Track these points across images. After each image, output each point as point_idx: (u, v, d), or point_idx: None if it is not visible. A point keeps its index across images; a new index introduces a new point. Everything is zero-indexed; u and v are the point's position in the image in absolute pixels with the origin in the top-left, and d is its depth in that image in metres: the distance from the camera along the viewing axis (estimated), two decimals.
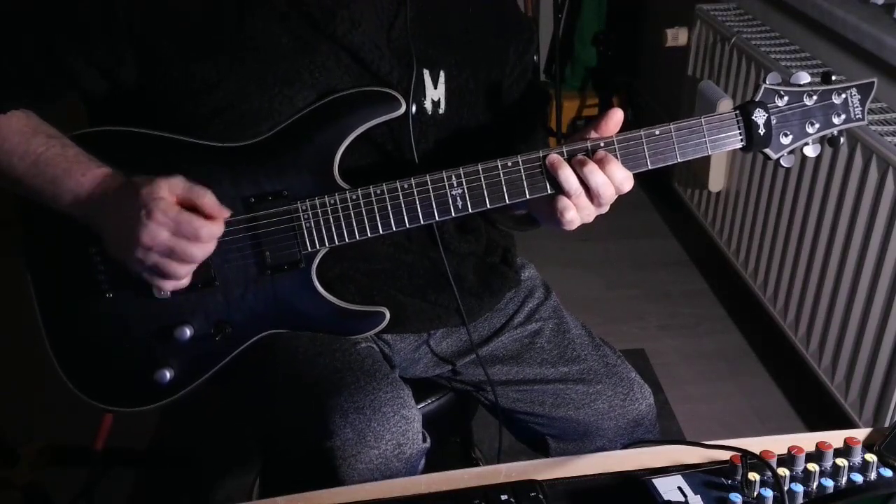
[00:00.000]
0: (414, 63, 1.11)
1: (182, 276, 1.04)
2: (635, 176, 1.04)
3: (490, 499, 0.90)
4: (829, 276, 1.98)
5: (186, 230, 1.00)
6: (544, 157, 1.03)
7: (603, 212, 1.05)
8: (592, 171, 1.00)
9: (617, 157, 1.02)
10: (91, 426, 1.83)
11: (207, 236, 1.01)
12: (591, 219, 1.05)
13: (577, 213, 1.02)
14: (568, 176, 1.01)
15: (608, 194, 1.01)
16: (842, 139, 1.07)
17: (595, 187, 1.00)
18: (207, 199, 1.02)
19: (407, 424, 1.07)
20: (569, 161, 1.02)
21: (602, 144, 1.02)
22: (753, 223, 2.35)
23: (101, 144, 1.08)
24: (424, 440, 1.12)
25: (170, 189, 1.00)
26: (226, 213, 1.04)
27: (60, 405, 1.19)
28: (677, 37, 2.74)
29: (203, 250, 1.02)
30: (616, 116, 1.03)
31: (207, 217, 1.02)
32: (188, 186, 1.01)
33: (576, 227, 1.04)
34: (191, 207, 1.01)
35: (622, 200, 1.05)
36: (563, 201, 1.02)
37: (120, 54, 1.07)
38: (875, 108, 1.88)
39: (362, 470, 1.04)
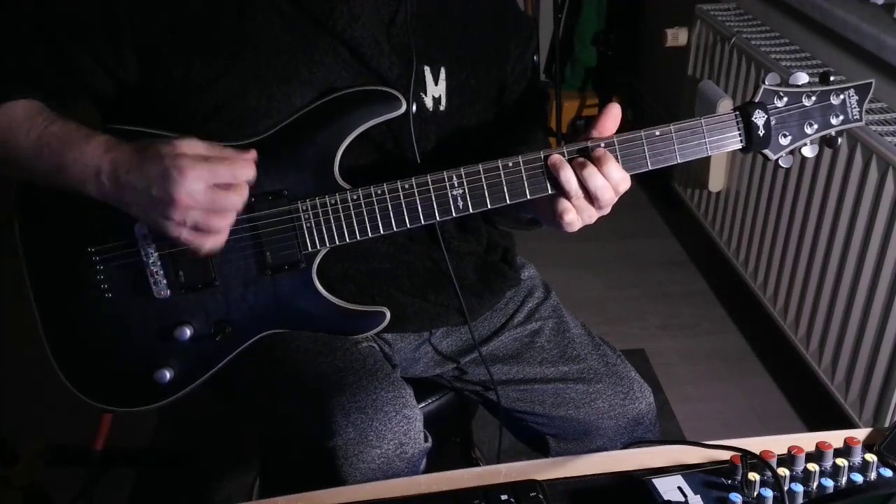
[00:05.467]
0: (414, 59, 1.11)
1: (224, 229, 1.00)
2: (635, 176, 1.04)
3: (490, 499, 0.90)
4: (829, 276, 1.98)
5: (224, 175, 0.97)
6: (546, 157, 1.03)
7: (604, 213, 1.05)
8: (592, 175, 1.00)
9: (617, 158, 1.02)
10: (91, 426, 1.83)
11: (245, 177, 0.99)
12: (592, 220, 1.05)
13: (577, 215, 1.02)
14: (569, 177, 1.01)
15: (607, 197, 1.01)
16: (839, 140, 1.07)
17: (594, 190, 1.00)
18: (227, 150, 1.00)
19: (409, 424, 1.07)
20: (570, 161, 1.02)
21: (602, 145, 1.02)
22: (753, 223, 2.35)
23: None
24: (426, 440, 1.12)
25: (190, 143, 0.97)
26: (252, 154, 1.01)
27: (60, 405, 1.19)
28: (677, 37, 2.74)
29: (242, 196, 0.99)
30: (614, 111, 1.03)
31: None
32: (205, 143, 0.99)
33: (576, 228, 1.04)
34: None
35: (622, 201, 1.05)
36: (564, 203, 1.02)
37: (121, 53, 1.07)
38: (875, 108, 1.88)
39: (364, 469, 1.04)
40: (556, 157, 1.02)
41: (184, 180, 0.95)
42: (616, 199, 1.03)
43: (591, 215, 1.04)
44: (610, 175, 1.00)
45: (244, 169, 0.99)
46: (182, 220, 0.97)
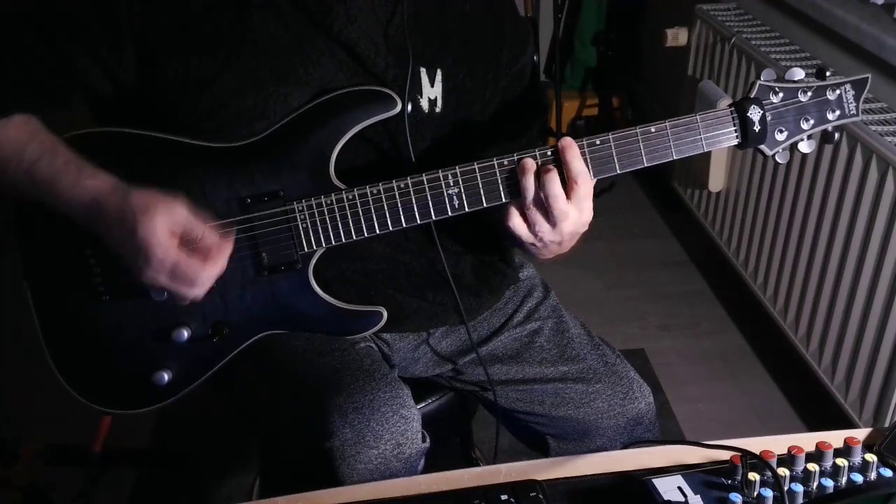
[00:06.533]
0: (410, 60, 1.10)
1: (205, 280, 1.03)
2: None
3: (490, 499, 0.90)
4: (829, 276, 1.98)
5: (183, 277, 1.00)
6: (518, 159, 1.02)
7: (559, 239, 1.03)
8: (550, 180, 0.99)
9: (613, 155, 1.02)
10: (90, 426, 1.83)
11: (206, 280, 1.01)
12: (545, 238, 1.03)
13: (524, 224, 1.02)
14: (528, 184, 1.01)
15: (558, 208, 1.00)
16: (836, 135, 1.07)
17: (546, 196, 1.00)
18: (207, 240, 1.01)
19: (406, 424, 1.07)
20: (541, 165, 1.01)
21: (598, 142, 1.02)
22: (753, 223, 2.35)
23: (94, 147, 1.07)
24: (424, 440, 1.12)
25: (170, 226, 0.99)
26: (227, 249, 1.03)
27: (60, 405, 1.19)
28: (677, 37, 2.74)
29: (202, 290, 1.03)
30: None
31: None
32: (188, 221, 1.00)
33: (527, 243, 1.04)
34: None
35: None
36: (511, 208, 1.03)
37: (120, 53, 1.07)
38: (875, 108, 1.88)
39: (361, 470, 1.04)
40: (526, 161, 1.02)
41: (146, 268, 0.99)
42: (573, 224, 1.02)
43: (543, 233, 1.02)
44: (571, 165, 0.99)
45: (211, 271, 1.01)
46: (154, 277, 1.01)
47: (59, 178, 1.03)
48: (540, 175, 1.00)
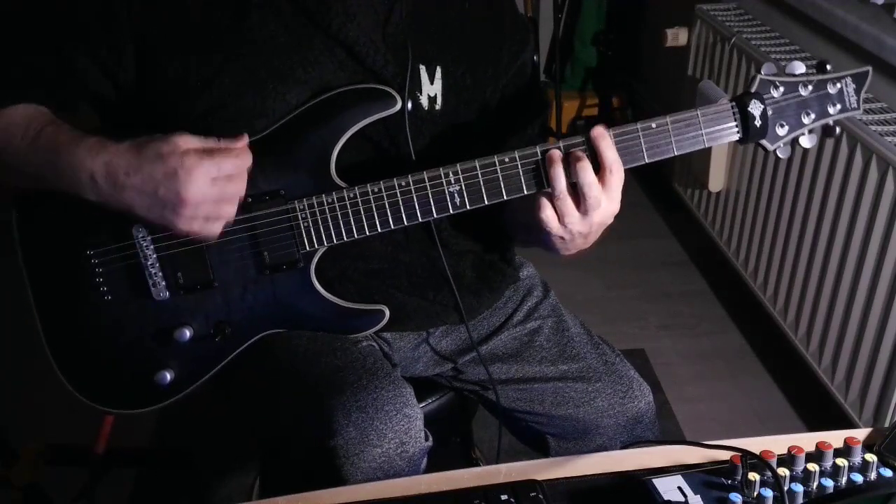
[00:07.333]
0: (410, 58, 1.10)
1: (232, 214, 1.03)
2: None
3: (490, 499, 0.90)
4: (829, 276, 1.98)
5: (228, 167, 0.99)
6: (543, 152, 1.02)
7: (586, 229, 1.03)
8: (583, 169, 0.99)
9: None
10: (91, 426, 1.83)
11: (246, 165, 1.02)
12: (573, 232, 1.03)
13: (554, 216, 1.02)
14: (558, 174, 1.00)
15: (593, 196, 1.00)
16: (837, 129, 1.07)
17: (582, 186, 0.99)
18: (222, 141, 1.02)
19: (409, 423, 1.07)
20: (566, 156, 1.01)
21: None
22: (753, 223, 2.35)
23: None
24: (427, 439, 1.12)
25: (186, 139, 0.99)
26: (245, 139, 1.03)
27: (61, 405, 1.19)
28: (677, 37, 2.74)
29: (244, 180, 1.02)
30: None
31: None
32: (198, 137, 1.01)
33: (556, 235, 1.03)
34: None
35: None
36: (544, 202, 1.02)
37: (120, 53, 1.07)
38: (875, 108, 1.88)
39: (365, 469, 1.04)
40: (553, 153, 1.01)
41: (192, 179, 0.97)
42: (604, 224, 1.03)
43: (573, 223, 1.02)
44: (605, 154, 1.00)
45: (243, 157, 1.02)
46: (193, 216, 1.00)
47: (63, 142, 1.02)
48: (570, 164, 1.00)
